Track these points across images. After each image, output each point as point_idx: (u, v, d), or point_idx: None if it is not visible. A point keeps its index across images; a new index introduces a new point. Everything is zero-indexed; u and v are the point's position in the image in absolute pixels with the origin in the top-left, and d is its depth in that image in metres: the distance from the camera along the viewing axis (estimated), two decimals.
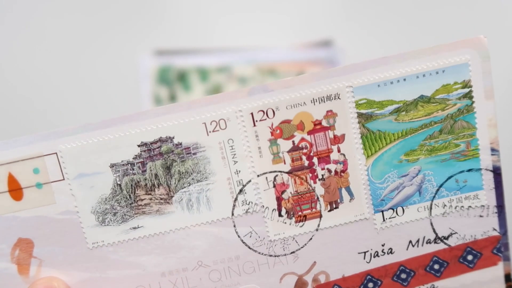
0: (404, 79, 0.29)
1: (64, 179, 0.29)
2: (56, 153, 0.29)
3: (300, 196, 0.30)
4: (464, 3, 0.61)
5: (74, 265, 0.30)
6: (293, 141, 0.30)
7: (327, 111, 0.29)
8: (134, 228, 0.30)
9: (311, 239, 0.31)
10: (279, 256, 0.31)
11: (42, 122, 0.61)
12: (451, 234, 0.31)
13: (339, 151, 0.30)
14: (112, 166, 0.29)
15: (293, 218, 0.30)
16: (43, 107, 0.62)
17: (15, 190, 0.29)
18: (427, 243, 0.31)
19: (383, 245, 0.31)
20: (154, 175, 0.30)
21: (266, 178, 0.30)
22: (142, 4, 0.63)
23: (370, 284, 0.32)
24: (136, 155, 0.29)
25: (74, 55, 0.63)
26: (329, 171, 0.30)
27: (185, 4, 0.64)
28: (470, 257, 0.32)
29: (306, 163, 0.30)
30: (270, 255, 0.31)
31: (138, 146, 0.29)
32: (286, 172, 0.30)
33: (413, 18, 0.61)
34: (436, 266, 0.32)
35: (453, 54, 0.29)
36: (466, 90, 0.30)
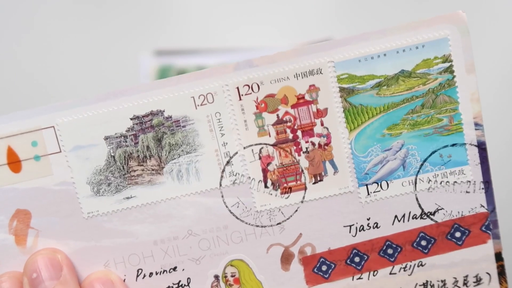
0: (385, 54, 0.30)
1: (61, 152, 0.31)
2: (53, 126, 0.31)
3: (285, 168, 0.31)
4: None
5: (70, 234, 0.32)
6: (277, 115, 0.31)
7: (310, 86, 0.31)
8: (127, 198, 0.31)
9: (296, 210, 0.32)
10: (265, 226, 0.32)
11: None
12: (437, 210, 0.32)
13: (322, 124, 0.31)
14: (106, 138, 0.31)
15: (279, 189, 0.31)
16: (43, 99, 0.64)
17: (14, 162, 0.31)
18: (413, 218, 0.32)
19: (368, 219, 0.32)
20: (146, 147, 0.31)
21: (252, 150, 0.31)
22: (142, 4, 0.65)
23: (357, 258, 0.32)
24: (128, 128, 0.31)
25: (74, 55, 0.65)
26: (313, 144, 0.31)
27: (185, 4, 0.65)
28: (458, 234, 0.32)
29: (291, 136, 0.31)
30: (257, 226, 0.32)
31: (131, 119, 0.31)
32: (271, 145, 0.31)
33: (414, 18, 0.62)
34: (423, 243, 0.32)
35: (433, 29, 0.30)
36: (447, 64, 0.30)
